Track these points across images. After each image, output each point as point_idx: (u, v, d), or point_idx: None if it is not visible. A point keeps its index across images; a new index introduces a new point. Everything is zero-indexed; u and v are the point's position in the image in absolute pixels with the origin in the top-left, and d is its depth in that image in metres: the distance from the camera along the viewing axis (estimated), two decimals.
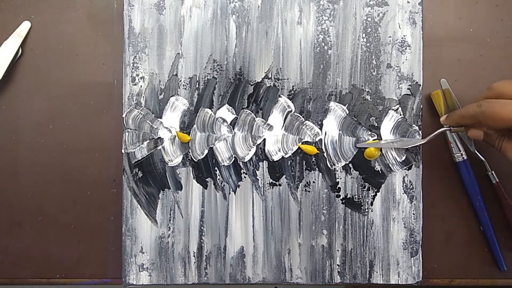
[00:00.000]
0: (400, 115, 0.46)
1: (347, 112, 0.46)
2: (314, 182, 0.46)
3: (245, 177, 0.46)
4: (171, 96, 0.46)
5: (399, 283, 0.46)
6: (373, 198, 0.46)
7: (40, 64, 0.47)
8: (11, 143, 0.47)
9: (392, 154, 0.46)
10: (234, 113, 0.46)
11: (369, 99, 0.46)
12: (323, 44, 0.46)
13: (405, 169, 0.46)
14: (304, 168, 0.46)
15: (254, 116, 0.46)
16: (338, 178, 0.46)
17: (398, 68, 0.46)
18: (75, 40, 0.47)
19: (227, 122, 0.46)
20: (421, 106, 0.46)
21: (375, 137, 0.46)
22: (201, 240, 0.46)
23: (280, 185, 0.46)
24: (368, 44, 0.46)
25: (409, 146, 0.45)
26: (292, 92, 0.46)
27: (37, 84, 0.47)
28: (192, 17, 0.46)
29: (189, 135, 0.46)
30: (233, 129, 0.46)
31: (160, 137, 0.46)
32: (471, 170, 0.47)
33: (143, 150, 0.46)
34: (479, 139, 0.41)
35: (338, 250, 0.46)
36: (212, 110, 0.46)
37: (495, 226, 0.47)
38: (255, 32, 0.46)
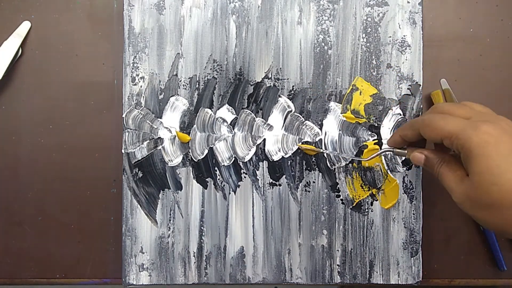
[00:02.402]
0: (400, 115, 0.46)
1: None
2: (314, 182, 0.46)
3: (245, 177, 0.46)
4: (171, 96, 0.46)
5: (399, 283, 0.46)
6: (373, 198, 0.46)
7: (40, 64, 0.47)
8: (11, 143, 0.47)
9: (392, 154, 0.46)
10: (234, 113, 0.46)
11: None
12: (323, 44, 0.46)
13: (405, 169, 0.46)
14: (304, 168, 0.46)
15: (254, 116, 0.46)
16: (338, 178, 0.46)
17: (398, 68, 0.46)
18: (75, 40, 0.47)
19: (227, 122, 0.46)
20: (421, 106, 0.46)
21: (375, 137, 0.46)
22: (201, 240, 0.46)
23: (280, 185, 0.46)
24: (368, 44, 0.46)
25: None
26: (292, 92, 0.46)
27: (37, 84, 0.47)
28: (192, 17, 0.46)
29: (189, 135, 0.46)
30: (233, 129, 0.46)
31: (160, 137, 0.46)
32: None
33: (143, 150, 0.46)
34: (419, 164, 0.38)
35: (338, 250, 0.46)
36: (212, 110, 0.46)
37: None
38: (255, 32, 0.46)
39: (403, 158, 0.46)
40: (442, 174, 0.35)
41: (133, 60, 0.46)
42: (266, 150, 0.46)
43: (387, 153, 0.45)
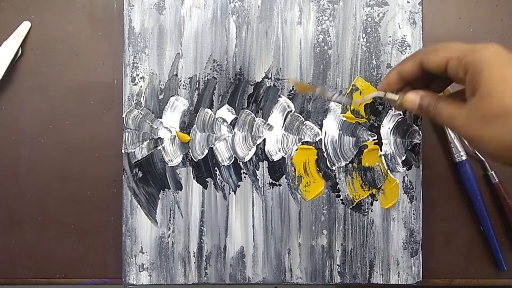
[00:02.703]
0: (400, 115, 0.46)
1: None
2: (314, 182, 0.46)
3: (245, 177, 0.46)
4: (171, 96, 0.46)
5: (399, 283, 0.46)
6: (373, 198, 0.46)
7: (40, 64, 0.47)
8: (11, 143, 0.47)
9: (392, 154, 0.46)
10: (234, 113, 0.46)
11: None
12: (323, 44, 0.46)
13: (405, 169, 0.46)
14: (304, 168, 0.46)
15: (254, 116, 0.46)
16: (338, 178, 0.46)
17: None
18: (75, 40, 0.47)
19: (227, 122, 0.46)
20: None
21: (375, 137, 0.46)
22: (201, 240, 0.46)
23: (280, 185, 0.46)
24: (368, 44, 0.46)
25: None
26: (292, 92, 0.46)
27: (37, 84, 0.47)
28: (192, 17, 0.46)
29: (189, 135, 0.46)
30: (233, 129, 0.46)
31: (160, 137, 0.46)
32: (471, 170, 0.47)
33: (143, 150, 0.46)
34: (413, 107, 0.35)
35: (338, 250, 0.46)
36: (212, 110, 0.46)
37: (495, 226, 0.47)
38: (255, 32, 0.46)
39: (403, 158, 0.46)
40: (441, 109, 0.33)
41: (133, 60, 0.46)
42: (266, 150, 0.46)
43: (379, 100, 0.43)
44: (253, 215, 0.46)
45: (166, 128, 0.46)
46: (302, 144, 0.46)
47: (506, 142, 0.29)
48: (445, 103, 0.33)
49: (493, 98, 0.29)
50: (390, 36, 0.46)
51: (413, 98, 0.35)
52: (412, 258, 0.46)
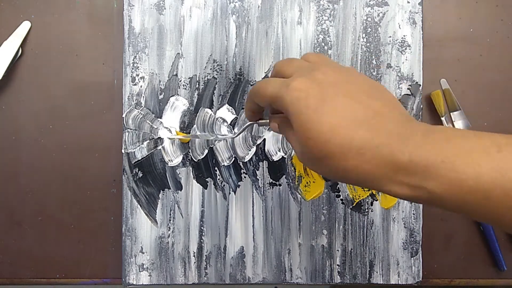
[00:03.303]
0: None
1: None
2: (314, 182, 0.46)
3: (245, 177, 0.46)
4: (171, 96, 0.46)
5: (399, 283, 0.46)
6: (373, 198, 0.46)
7: (40, 64, 0.47)
8: (11, 143, 0.47)
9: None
10: (234, 113, 0.46)
11: None
12: (323, 44, 0.46)
13: None
14: (304, 168, 0.46)
15: None
16: None
17: (398, 68, 0.46)
18: (75, 40, 0.47)
19: (227, 122, 0.46)
20: (421, 106, 0.46)
21: None
22: (201, 240, 0.46)
23: (280, 185, 0.46)
24: (368, 44, 0.46)
25: (220, 140, 0.45)
26: None
27: (37, 84, 0.47)
28: (192, 17, 0.46)
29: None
30: (233, 129, 0.46)
31: (160, 137, 0.46)
32: None
33: (143, 150, 0.46)
34: (277, 132, 0.35)
35: (338, 250, 0.46)
36: (212, 110, 0.46)
37: (495, 226, 0.47)
38: (255, 32, 0.46)
39: None
40: (287, 136, 0.33)
41: (133, 60, 0.46)
42: (266, 150, 0.46)
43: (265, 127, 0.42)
44: (253, 215, 0.46)
45: (166, 128, 0.46)
46: None
47: (333, 176, 0.30)
48: (288, 131, 0.32)
49: (304, 144, 0.29)
50: (390, 36, 0.46)
51: (273, 125, 0.35)
52: (412, 258, 0.46)
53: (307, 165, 0.32)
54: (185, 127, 0.46)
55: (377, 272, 0.46)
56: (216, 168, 0.46)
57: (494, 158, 0.25)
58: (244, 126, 0.39)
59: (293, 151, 0.46)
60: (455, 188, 0.25)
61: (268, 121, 0.36)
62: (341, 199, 0.46)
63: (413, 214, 0.46)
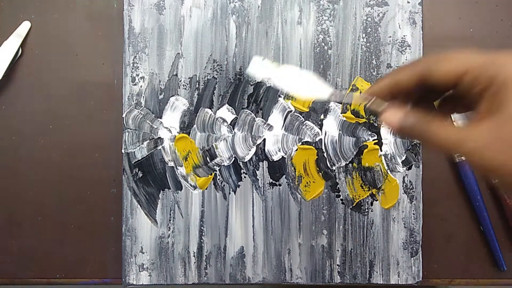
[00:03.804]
0: None
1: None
2: (314, 182, 0.46)
3: (245, 177, 0.46)
4: (171, 96, 0.46)
5: (399, 283, 0.46)
6: (373, 198, 0.46)
7: (40, 64, 0.47)
8: (11, 143, 0.47)
9: (392, 154, 0.46)
10: (234, 113, 0.46)
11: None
12: (323, 44, 0.46)
13: (405, 169, 0.46)
14: (304, 168, 0.46)
15: (254, 116, 0.46)
16: (338, 178, 0.46)
17: None
18: (75, 40, 0.47)
19: (227, 122, 0.46)
20: None
21: (375, 137, 0.46)
22: (201, 240, 0.46)
23: (280, 185, 0.46)
24: (368, 44, 0.46)
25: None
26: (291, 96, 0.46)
27: (37, 84, 0.47)
28: (192, 17, 0.46)
29: (189, 135, 0.46)
30: (233, 129, 0.46)
31: (160, 137, 0.46)
32: (471, 170, 0.47)
33: (143, 150, 0.46)
34: (392, 124, 0.29)
35: (338, 250, 0.46)
36: (212, 110, 0.46)
37: (495, 226, 0.47)
38: (255, 32, 0.46)
39: (403, 158, 0.46)
40: (437, 131, 0.27)
41: (133, 60, 0.46)
42: (266, 150, 0.46)
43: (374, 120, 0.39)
44: (253, 215, 0.46)
45: (166, 128, 0.46)
46: (302, 144, 0.46)
47: None
48: (440, 124, 0.27)
49: None
50: (390, 36, 0.46)
51: (393, 114, 0.29)
52: (412, 258, 0.46)
53: (496, 153, 0.25)
54: (185, 127, 0.46)
55: (377, 272, 0.46)
56: (216, 168, 0.46)
57: None
58: (356, 97, 0.31)
59: (293, 151, 0.46)
60: None
61: (383, 106, 0.29)
62: (341, 199, 0.46)
63: (413, 214, 0.46)
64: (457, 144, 0.26)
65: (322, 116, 0.46)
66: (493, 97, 0.26)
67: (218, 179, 0.46)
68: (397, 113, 0.29)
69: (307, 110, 0.46)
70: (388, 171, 0.46)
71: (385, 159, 0.46)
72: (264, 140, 0.46)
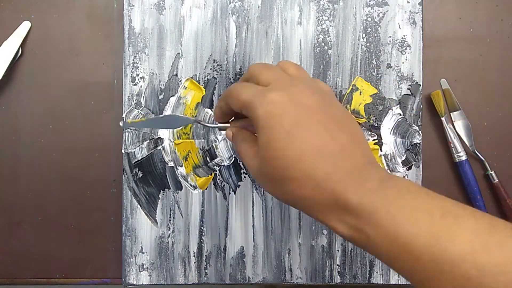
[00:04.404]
0: (400, 115, 0.46)
1: None
2: None
3: (245, 177, 0.46)
4: (171, 96, 0.46)
5: (399, 283, 0.46)
6: None
7: (40, 64, 0.47)
8: (11, 143, 0.47)
9: (392, 154, 0.46)
10: None
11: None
12: (323, 44, 0.46)
13: (405, 169, 0.46)
14: None
15: None
16: None
17: (398, 68, 0.46)
18: (75, 40, 0.47)
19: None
20: (421, 106, 0.46)
21: (375, 137, 0.46)
22: (201, 240, 0.46)
23: None
24: (368, 44, 0.46)
25: (178, 128, 0.44)
26: None
27: (37, 84, 0.47)
28: (192, 17, 0.46)
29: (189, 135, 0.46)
30: None
31: (160, 137, 0.46)
32: (471, 170, 0.47)
33: (143, 150, 0.46)
34: (231, 140, 0.35)
35: (338, 250, 0.46)
36: (212, 110, 0.46)
37: None
38: (255, 32, 0.46)
39: (403, 158, 0.46)
40: (238, 148, 0.33)
41: (133, 60, 0.46)
42: None
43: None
44: (253, 215, 0.46)
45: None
46: None
47: (287, 201, 0.30)
48: (244, 145, 0.32)
49: (267, 162, 0.29)
50: (390, 36, 0.46)
51: (228, 133, 0.35)
52: None
53: (259, 182, 0.32)
54: (185, 127, 0.46)
55: (377, 272, 0.46)
56: (216, 168, 0.46)
57: (435, 223, 0.25)
58: (209, 126, 0.38)
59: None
60: (392, 240, 0.26)
61: (227, 125, 0.35)
62: None
63: None
64: (244, 161, 0.32)
65: None
66: (257, 133, 0.30)
67: (218, 179, 0.46)
68: (228, 132, 0.35)
69: None
70: (388, 171, 0.46)
71: (385, 159, 0.46)
72: None
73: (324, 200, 0.28)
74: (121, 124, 0.41)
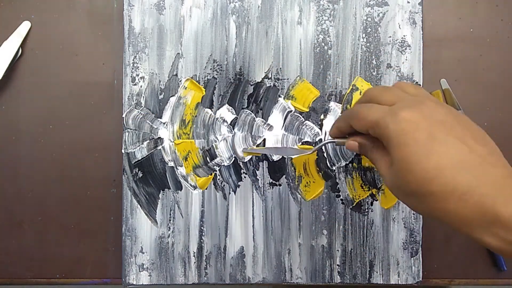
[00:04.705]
0: None
1: None
2: (314, 182, 0.46)
3: (245, 177, 0.46)
4: (171, 96, 0.46)
5: (399, 283, 0.46)
6: (373, 198, 0.46)
7: (40, 64, 0.47)
8: (11, 143, 0.47)
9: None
10: (234, 113, 0.46)
11: None
12: (323, 44, 0.46)
13: None
14: (304, 168, 0.46)
15: (254, 116, 0.46)
16: (338, 178, 0.46)
17: (398, 68, 0.46)
18: (75, 40, 0.47)
19: (227, 122, 0.46)
20: None
21: None
22: (201, 240, 0.46)
23: (280, 185, 0.46)
24: (368, 44, 0.46)
25: (294, 156, 0.45)
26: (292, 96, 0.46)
27: (37, 84, 0.47)
28: (192, 17, 0.46)
29: (189, 135, 0.46)
30: (233, 129, 0.46)
31: (160, 137, 0.46)
32: None
33: (143, 150, 0.46)
34: (355, 151, 0.36)
35: (338, 250, 0.46)
36: (212, 110, 0.46)
37: None
38: (255, 32, 0.46)
39: None
40: (374, 159, 0.33)
41: (133, 60, 0.46)
42: None
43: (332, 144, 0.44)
44: (253, 215, 0.46)
45: (166, 128, 0.46)
46: (302, 144, 0.46)
47: (425, 213, 0.30)
48: (377, 155, 0.33)
49: (402, 177, 0.29)
50: (390, 36, 0.46)
51: (353, 144, 0.35)
52: (412, 258, 0.46)
53: (398, 196, 0.32)
54: (185, 126, 0.46)
55: (377, 272, 0.46)
56: (216, 168, 0.46)
57: None
58: (323, 143, 0.39)
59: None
60: None
61: (344, 140, 0.36)
62: (341, 199, 0.46)
63: (413, 214, 0.46)
64: (381, 174, 0.32)
65: (322, 116, 0.46)
66: (388, 150, 0.31)
67: (218, 179, 0.46)
68: (354, 142, 0.35)
69: (307, 110, 0.46)
70: None
71: None
72: (264, 140, 0.46)
73: (468, 213, 0.27)
74: (241, 152, 0.45)
